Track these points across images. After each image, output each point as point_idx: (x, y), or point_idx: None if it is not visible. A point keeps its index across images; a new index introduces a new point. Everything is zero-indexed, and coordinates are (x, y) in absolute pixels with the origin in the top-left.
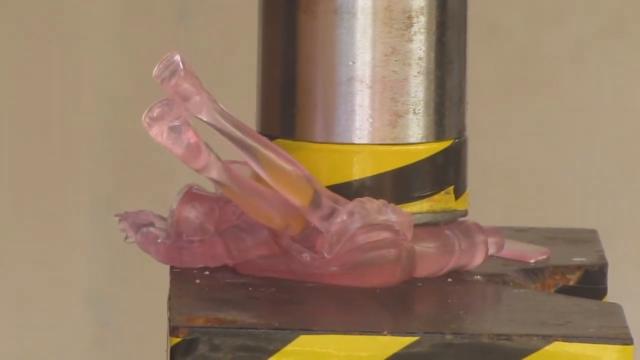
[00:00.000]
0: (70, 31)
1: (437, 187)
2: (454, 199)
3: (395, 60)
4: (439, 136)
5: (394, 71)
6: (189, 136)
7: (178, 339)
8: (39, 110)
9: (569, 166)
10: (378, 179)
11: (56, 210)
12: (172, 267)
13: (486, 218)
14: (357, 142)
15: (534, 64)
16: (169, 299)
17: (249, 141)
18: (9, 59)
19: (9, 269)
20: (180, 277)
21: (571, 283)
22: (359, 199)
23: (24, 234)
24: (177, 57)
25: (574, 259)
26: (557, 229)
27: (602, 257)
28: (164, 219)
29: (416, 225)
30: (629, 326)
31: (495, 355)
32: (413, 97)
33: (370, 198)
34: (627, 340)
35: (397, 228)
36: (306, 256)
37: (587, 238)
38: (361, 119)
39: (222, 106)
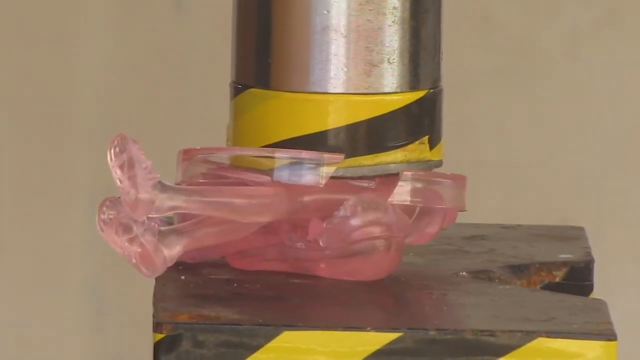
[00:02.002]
0: (66, 21)
1: (411, 137)
2: (428, 149)
3: (370, 9)
4: (413, 86)
5: (368, 20)
6: (140, 237)
7: (162, 335)
8: (36, 103)
9: (564, 159)
10: (352, 128)
11: (54, 202)
12: None
13: (481, 211)
14: (331, 92)
15: (529, 57)
16: (154, 294)
17: (211, 200)
18: (4, 52)
19: (7, 261)
20: (165, 273)
21: (557, 279)
22: (361, 194)
23: (22, 226)
24: (132, 145)
25: (560, 256)
26: (544, 226)
27: (588, 254)
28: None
29: (386, 176)
30: (620, 322)
31: (478, 351)
32: (387, 46)
33: (371, 195)
34: (610, 336)
35: (391, 225)
36: (300, 245)
37: (574, 235)
38: (336, 68)
39: (172, 185)
